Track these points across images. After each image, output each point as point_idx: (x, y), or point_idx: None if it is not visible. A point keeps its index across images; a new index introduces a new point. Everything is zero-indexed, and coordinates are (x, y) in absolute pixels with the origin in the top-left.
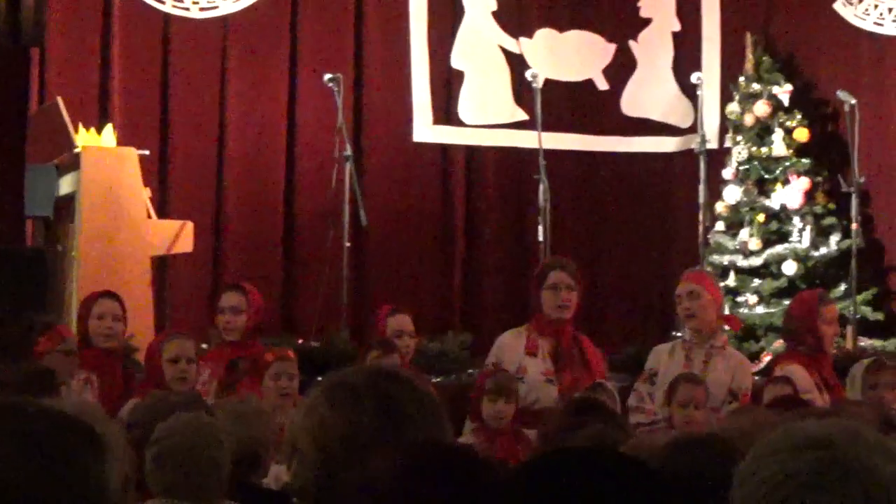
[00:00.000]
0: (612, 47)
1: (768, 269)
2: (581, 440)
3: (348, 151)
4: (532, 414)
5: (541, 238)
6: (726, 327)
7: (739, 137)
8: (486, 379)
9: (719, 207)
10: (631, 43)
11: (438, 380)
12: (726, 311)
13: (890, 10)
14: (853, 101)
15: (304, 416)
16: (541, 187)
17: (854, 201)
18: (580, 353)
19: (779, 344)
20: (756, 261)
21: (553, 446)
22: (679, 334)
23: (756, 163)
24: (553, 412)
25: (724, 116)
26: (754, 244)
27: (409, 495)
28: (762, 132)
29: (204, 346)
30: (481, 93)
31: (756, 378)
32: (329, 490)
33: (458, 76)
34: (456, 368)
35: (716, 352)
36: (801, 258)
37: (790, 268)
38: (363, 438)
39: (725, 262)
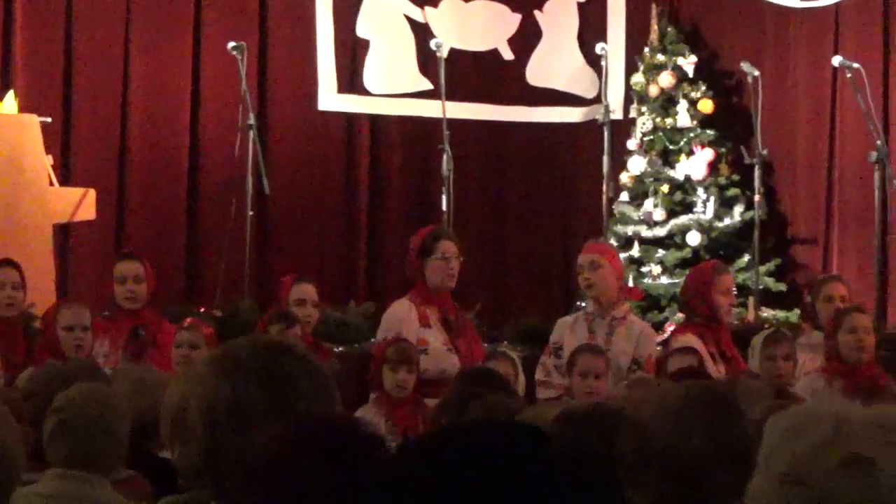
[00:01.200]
0: (518, 17)
1: (672, 240)
2: (475, 410)
3: (252, 120)
4: (434, 384)
5: (444, 208)
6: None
7: (644, 108)
8: (387, 348)
9: (624, 178)
10: (536, 13)
11: (341, 349)
12: (630, 282)
13: None
14: (756, 73)
15: (190, 389)
16: (444, 157)
17: (757, 173)
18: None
19: (683, 314)
20: (660, 231)
21: (448, 416)
22: (583, 304)
23: (660, 133)
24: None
25: (628, 87)
26: (658, 215)
27: (294, 468)
28: (666, 103)
29: (107, 313)
30: (386, 62)
31: (659, 349)
32: (216, 464)
33: (363, 45)
34: (359, 338)
35: (618, 322)
36: (704, 229)
37: (694, 238)
38: (250, 411)
39: (629, 233)
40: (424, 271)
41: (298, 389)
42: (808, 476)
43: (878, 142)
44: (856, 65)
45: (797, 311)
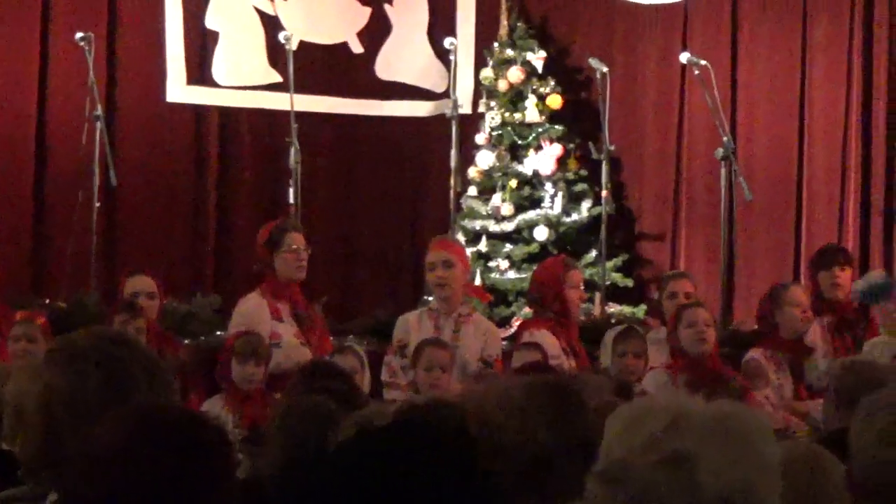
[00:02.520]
0: (368, 10)
1: (520, 235)
2: (314, 403)
3: (99, 111)
4: (288, 377)
5: (291, 201)
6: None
7: (493, 103)
8: (236, 341)
9: (472, 172)
10: (386, 6)
11: (187, 342)
12: (477, 277)
13: None
14: (605, 69)
15: (28, 382)
16: (292, 150)
17: (604, 168)
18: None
19: (529, 309)
20: (508, 226)
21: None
22: (430, 298)
23: (509, 128)
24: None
25: (477, 82)
26: (506, 209)
27: (131, 460)
28: (515, 98)
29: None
30: (236, 54)
31: (505, 343)
32: (55, 456)
33: (212, 36)
34: (205, 330)
35: (464, 319)
36: (552, 224)
37: (542, 233)
38: (89, 403)
39: (477, 227)
40: (274, 264)
41: (136, 381)
42: (627, 474)
43: (725, 139)
44: (703, 62)
45: (644, 307)
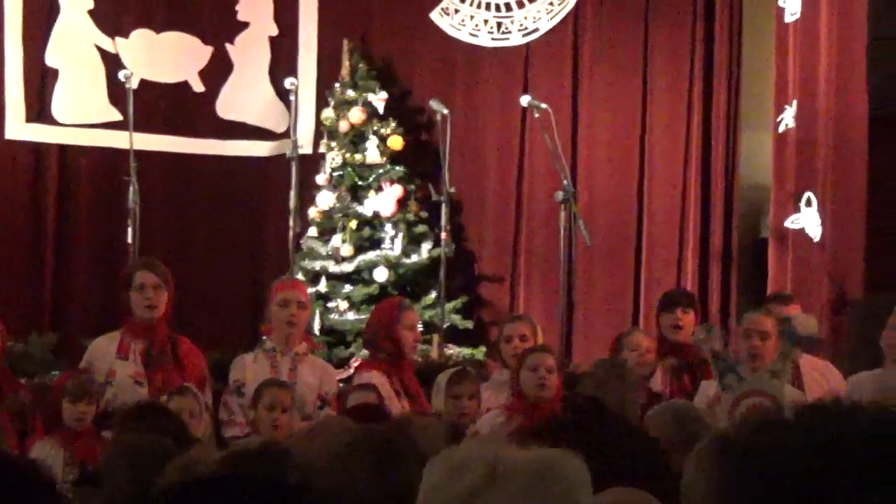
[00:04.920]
0: (209, 49)
1: (360, 276)
2: (137, 443)
3: None
4: (112, 416)
5: (129, 240)
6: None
7: (334, 144)
8: (67, 381)
9: (312, 213)
10: (228, 46)
11: (23, 381)
12: (317, 317)
13: (485, 21)
14: (445, 111)
15: None
16: (131, 189)
17: (444, 210)
18: (175, 354)
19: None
20: (348, 267)
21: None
22: (266, 339)
23: (350, 169)
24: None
25: (318, 122)
26: (346, 250)
27: None
28: (356, 139)
29: None
30: (76, 91)
31: (342, 385)
32: None
33: (52, 74)
34: (40, 370)
35: (300, 359)
36: (392, 265)
37: (381, 274)
38: None
39: (317, 268)
40: (130, 303)
41: None
42: None
43: (565, 182)
44: (544, 105)
45: (483, 349)
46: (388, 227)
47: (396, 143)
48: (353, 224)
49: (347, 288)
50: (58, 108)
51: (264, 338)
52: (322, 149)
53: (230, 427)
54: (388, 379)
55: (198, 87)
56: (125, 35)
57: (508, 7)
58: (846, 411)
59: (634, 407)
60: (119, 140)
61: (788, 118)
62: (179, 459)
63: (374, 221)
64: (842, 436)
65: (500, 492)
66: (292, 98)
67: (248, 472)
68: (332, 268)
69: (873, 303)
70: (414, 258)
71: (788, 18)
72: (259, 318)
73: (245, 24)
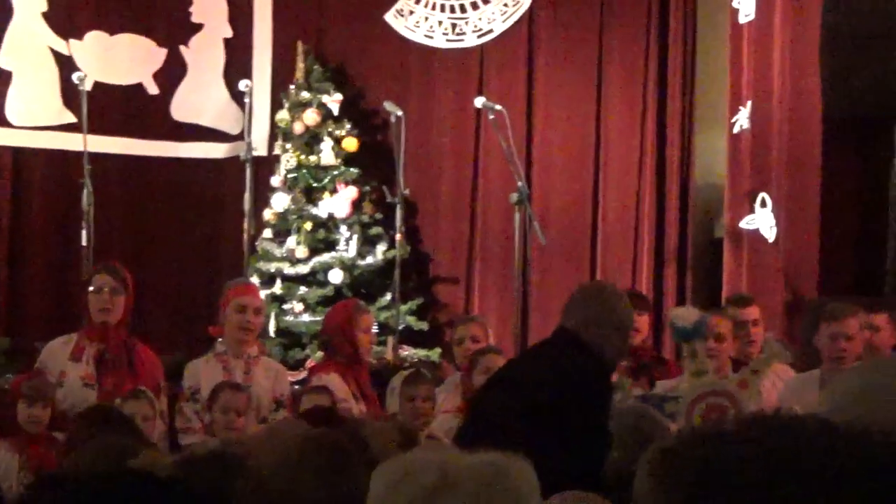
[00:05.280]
0: (164, 52)
1: (315, 278)
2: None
3: None
4: (63, 418)
5: (84, 243)
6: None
7: (288, 145)
8: (22, 384)
9: (267, 215)
10: (182, 48)
11: None
12: (272, 319)
13: (440, 23)
14: (399, 113)
15: None
16: (85, 191)
17: (399, 212)
18: (129, 359)
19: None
20: (303, 269)
21: (67, 455)
22: (220, 341)
23: (304, 171)
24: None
25: (273, 124)
26: (301, 252)
27: None
28: (311, 141)
29: None
30: (29, 94)
31: (296, 387)
32: None
33: (5, 76)
34: None
35: (254, 361)
36: (347, 267)
37: (336, 276)
38: None
39: (272, 270)
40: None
41: None
42: None
43: (520, 183)
44: (498, 107)
45: (438, 350)
46: (343, 228)
47: (351, 144)
48: (308, 226)
49: (302, 290)
50: (11, 110)
51: (218, 341)
52: (277, 151)
53: (188, 435)
54: (344, 381)
55: (152, 89)
56: (79, 37)
57: (463, 9)
58: (788, 423)
59: None
60: (73, 142)
61: (743, 119)
62: (134, 463)
63: (329, 223)
64: (783, 448)
65: (449, 498)
66: (247, 100)
67: (199, 476)
68: (288, 270)
69: (825, 304)
70: (369, 260)
71: (743, 20)
72: (216, 318)
73: (199, 27)
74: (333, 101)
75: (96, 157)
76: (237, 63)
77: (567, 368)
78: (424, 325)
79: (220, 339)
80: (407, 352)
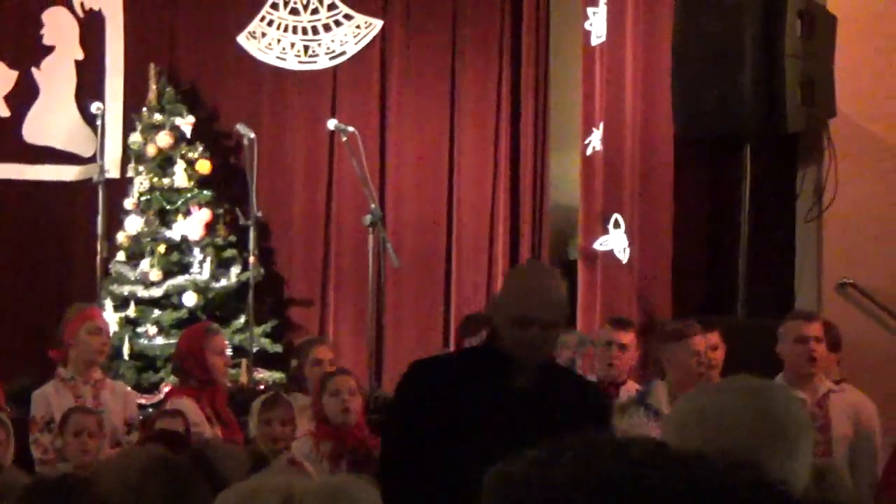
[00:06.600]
0: (15, 74)
1: (169, 300)
2: None
3: None
4: None
5: None
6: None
7: (141, 168)
8: None
9: (120, 237)
10: (34, 70)
11: None
12: (126, 342)
13: (292, 45)
14: (252, 135)
15: None
16: None
17: (252, 234)
18: None
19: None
20: (156, 291)
21: None
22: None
23: (158, 193)
24: None
25: (126, 146)
26: (155, 275)
27: None
28: (164, 163)
29: None
30: None
31: (151, 410)
32: None
33: None
34: None
35: (101, 385)
36: (201, 289)
37: (190, 299)
38: None
39: (126, 293)
40: None
41: None
42: None
43: (373, 206)
44: (351, 128)
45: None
46: (197, 251)
47: (204, 167)
48: (162, 248)
49: (156, 313)
50: None
51: (59, 368)
52: (130, 173)
53: (48, 466)
54: (198, 405)
55: (3, 111)
56: None
57: (315, 31)
58: (619, 446)
59: None
60: None
61: (596, 140)
62: None
63: (183, 246)
64: (611, 474)
65: None
66: (99, 122)
67: (44, 502)
68: (141, 292)
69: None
70: (223, 282)
71: (595, 41)
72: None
73: (51, 49)
74: (186, 123)
75: None
76: (89, 85)
77: None
78: (279, 348)
79: (61, 366)
80: (262, 374)
